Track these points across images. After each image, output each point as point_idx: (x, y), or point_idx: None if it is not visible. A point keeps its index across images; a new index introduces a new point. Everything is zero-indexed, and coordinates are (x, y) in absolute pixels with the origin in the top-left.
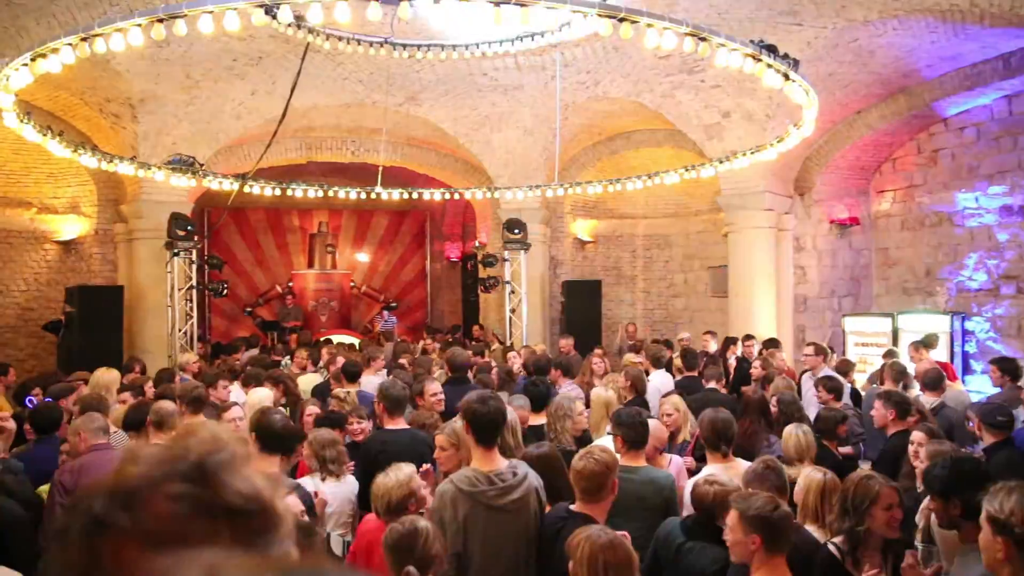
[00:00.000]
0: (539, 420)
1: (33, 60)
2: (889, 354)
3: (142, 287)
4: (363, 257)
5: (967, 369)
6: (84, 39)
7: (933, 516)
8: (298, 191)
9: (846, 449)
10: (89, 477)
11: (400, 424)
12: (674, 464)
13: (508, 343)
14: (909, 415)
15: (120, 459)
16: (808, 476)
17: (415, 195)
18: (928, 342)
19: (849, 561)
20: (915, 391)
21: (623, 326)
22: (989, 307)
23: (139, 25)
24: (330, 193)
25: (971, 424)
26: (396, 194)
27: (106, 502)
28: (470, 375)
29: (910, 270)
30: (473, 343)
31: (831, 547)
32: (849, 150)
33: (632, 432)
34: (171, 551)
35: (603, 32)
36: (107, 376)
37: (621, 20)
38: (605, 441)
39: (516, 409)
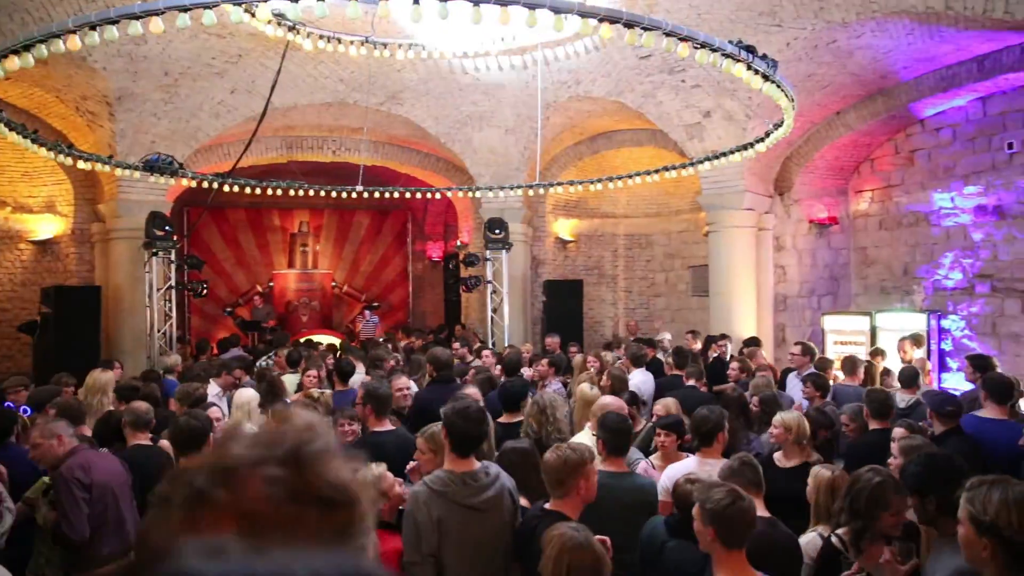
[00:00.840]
0: (515, 419)
1: None
2: (874, 353)
3: (120, 287)
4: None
5: (943, 366)
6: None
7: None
8: (278, 190)
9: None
10: (99, 472)
11: (387, 425)
12: (690, 461)
13: (491, 343)
14: (886, 415)
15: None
16: (817, 475)
17: (396, 195)
18: (917, 338)
19: (852, 552)
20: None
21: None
22: (964, 306)
23: (114, 23)
24: (311, 192)
25: None
26: (377, 193)
27: (207, 477)
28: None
29: (888, 269)
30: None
31: (834, 539)
32: (828, 150)
33: (613, 438)
34: (262, 530)
35: (584, 32)
36: (104, 376)
37: (601, 21)
38: (582, 437)
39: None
